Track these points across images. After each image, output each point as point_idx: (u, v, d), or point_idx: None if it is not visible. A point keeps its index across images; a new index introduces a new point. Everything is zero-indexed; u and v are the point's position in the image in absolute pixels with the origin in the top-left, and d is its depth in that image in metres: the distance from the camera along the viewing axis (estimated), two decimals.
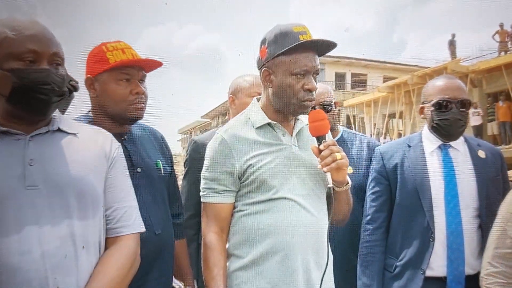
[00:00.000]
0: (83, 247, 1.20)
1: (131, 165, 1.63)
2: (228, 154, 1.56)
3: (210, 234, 1.56)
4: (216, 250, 1.54)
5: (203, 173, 1.61)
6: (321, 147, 1.49)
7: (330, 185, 1.48)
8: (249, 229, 1.54)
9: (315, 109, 1.58)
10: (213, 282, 1.51)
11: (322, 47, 1.56)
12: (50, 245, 1.15)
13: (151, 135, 1.87)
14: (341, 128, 2.36)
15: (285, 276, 1.49)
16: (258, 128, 1.58)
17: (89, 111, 1.73)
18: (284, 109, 1.57)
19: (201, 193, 1.61)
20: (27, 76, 1.17)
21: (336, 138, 2.26)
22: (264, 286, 1.50)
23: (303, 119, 1.63)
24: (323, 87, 2.30)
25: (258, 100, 1.66)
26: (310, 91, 1.52)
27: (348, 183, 1.57)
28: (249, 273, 1.52)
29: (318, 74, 1.56)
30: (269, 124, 1.58)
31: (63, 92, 1.24)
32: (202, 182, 1.60)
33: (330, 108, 2.24)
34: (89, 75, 1.67)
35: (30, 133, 1.22)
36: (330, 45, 1.56)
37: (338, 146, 1.51)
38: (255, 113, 1.62)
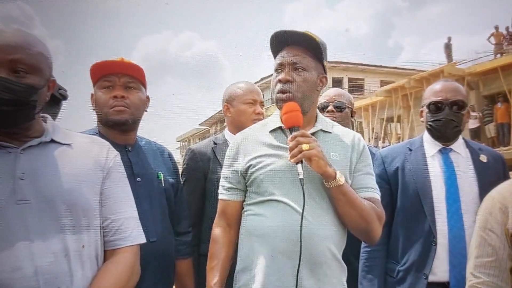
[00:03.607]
0: (79, 261, 1.17)
1: (132, 174, 1.66)
2: (236, 154, 1.62)
3: (216, 228, 1.63)
4: (218, 242, 1.59)
5: (221, 172, 1.68)
6: (288, 139, 1.47)
7: (301, 176, 1.43)
8: (247, 230, 1.56)
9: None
10: (211, 272, 1.55)
11: (302, 41, 1.55)
12: (43, 261, 1.11)
13: (158, 149, 1.92)
14: None
15: (275, 279, 1.46)
16: (271, 131, 1.60)
17: (97, 125, 1.81)
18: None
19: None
20: None
21: None
22: None
23: (319, 125, 1.60)
24: (339, 90, 2.49)
25: None
26: (280, 81, 1.55)
27: (335, 179, 1.45)
28: (246, 275, 1.53)
29: (303, 69, 1.54)
30: (280, 128, 1.59)
31: (26, 102, 1.17)
32: (220, 180, 1.67)
33: (340, 109, 2.33)
34: (92, 92, 1.78)
35: (21, 146, 1.19)
36: (307, 39, 1.55)
37: (311, 137, 1.47)
38: (273, 117, 1.65)
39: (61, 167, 1.21)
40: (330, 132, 1.61)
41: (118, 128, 1.74)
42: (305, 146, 1.42)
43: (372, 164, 1.65)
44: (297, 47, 1.55)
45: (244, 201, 1.61)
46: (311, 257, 1.46)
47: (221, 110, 2.35)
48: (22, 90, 1.15)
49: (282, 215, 1.48)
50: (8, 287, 1.07)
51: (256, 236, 1.52)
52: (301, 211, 1.44)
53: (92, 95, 1.78)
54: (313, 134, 1.55)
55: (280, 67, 1.56)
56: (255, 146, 1.58)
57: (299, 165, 1.44)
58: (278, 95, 1.55)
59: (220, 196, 1.65)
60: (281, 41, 1.57)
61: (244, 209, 1.60)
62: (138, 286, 1.32)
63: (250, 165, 1.55)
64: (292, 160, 1.44)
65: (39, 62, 1.20)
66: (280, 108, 1.56)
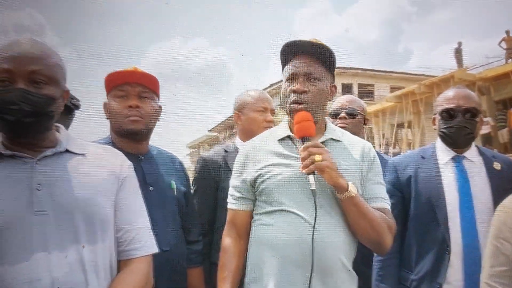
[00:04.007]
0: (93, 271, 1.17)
1: (145, 183, 1.67)
2: (245, 163, 1.61)
3: (226, 238, 1.61)
4: (229, 252, 1.57)
5: (230, 181, 1.67)
6: (300, 149, 1.46)
7: (312, 187, 1.42)
8: (257, 240, 1.55)
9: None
10: (222, 283, 1.53)
11: (317, 51, 1.54)
12: (59, 272, 1.12)
13: (169, 159, 1.92)
14: None
15: None
16: (279, 140, 1.59)
17: (110, 134, 1.81)
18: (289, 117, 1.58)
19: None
20: None
21: None
22: None
23: (329, 134, 1.60)
24: (352, 96, 2.48)
25: None
26: (294, 92, 1.53)
27: (348, 190, 1.44)
28: (257, 286, 1.51)
29: (316, 79, 1.54)
30: (289, 137, 1.58)
31: (45, 113, 1.18)
32: (229, 189, 1.66)
33: (352, 116, 2.31)
34: (104, 101, 1.78)
35: (37, 156, 1.19)
36: (322, 49, 1.55)
37: (323, 148, 1.46)
38: (281, 126, 1.64)
39: (77, 178, 1.21)
40: (340, 141, 1.59)
41: (132, 137, 1.74)
42: (317, 157, 1.41)
43: (382, 173, 1.63)
44: (309, 56, 1.55)
45: (253, 210, 1.60)
46: (322, 267, 1.45)
47: (230, 116, 2.35)
48: (41, 101, 1.17)
49: (292, 225, 1.47)
50: None
51: (266, 246, 1.50)
52: (311, 221, 1.44)
53: (105, 104, 1.78)
54: (322, 143, 1.54)
55: (293, 77, 1.55)
56: (264, 155, 1.57)
57: (311, 176, 1.43)
58: (292, 105, 1.53)
59: (229, 206, 1.64)
60: (293, 50, 1.56)
61: (254, 219, 1.59)
62: None
63: (260, 175, 1.54)
64: (304, 171, 1.43)
65: (56, 73, 1.21)
66: (292, 117, 1.55)
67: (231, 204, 1.63)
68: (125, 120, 1.71)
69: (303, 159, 1.43)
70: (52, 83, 1.20)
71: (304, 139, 1.48)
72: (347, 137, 1.65)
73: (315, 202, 1.43)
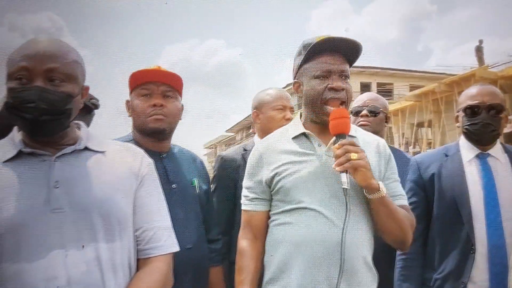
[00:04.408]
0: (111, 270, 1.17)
1: (167, 181, 1.67)
2: (259, 163, 1.58)
3: (243, 241, 1.58)
4: (246, 255, 1.55)
5: (243, 182, 1.63)
6: (336, 146, 1.42)
7: (345, 186, 1.39)
8: (276, 240, 1.52)
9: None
10: (240, 286, 1.51)
11: (348, 49, 1.53)
12: (76, 271, 1.11)
13: (190, 157, 1.92)
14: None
15: None
16: (293, 138, 1.57)
17: (131, 131, 1.81)
18: (314, 115, 1.55)
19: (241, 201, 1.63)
20: (15, 95, 1.14)
21: None
22: None
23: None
24: (374, 94, 2.42)
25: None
26: (335, 90, 1.49)
27: (379, 190, 1.42)
28: (277, 286, 1.49)
29: (347, 77, 1.52)
30: (304, 134, 1.56)
31: (62, 110, 1.18)
32: (243, 191, 1.63)
33: (375, 114, 2.27)
34: (127, 99, 1.78)
35: (56, 153, 1.19)
36: (354, 47, 1.52)
37: (358, 147, 1.43)
38: (294, 125, 1.62)
39: (95, 176, 1.21)
40: (355, 137, 1.57)
41: (155, 136, 1.75)
42: (353, 156, 1.38)
43: (396, 169, 1.61)
44: (340, 54, 1.52)
45: (269, 211, 1.57)
46: (348, 266, 1.43)
47: (247, 116, 2.34)
48: (58, 99, 1.16)
49: (314, 223, 1.45)
50: None
51: (287, 245, 1.48)
52: (333, 218, 1.43)
53: (127, 101, 1.79)
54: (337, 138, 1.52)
55: (327, 74, 1.50)
56: (279, 154, 1.55)
57: (344, 174, 1.40)
58: (328, 104, 1.50)
59: (243, 207, 1.61)
60: (328, 47, 1.51)
61: (271, 219, 1.56)
62: None
63: (276, 173, 1.52)
64: (338, 169, 1.39)
65: (74, 70, 1.21)
66: (323, 115, 1.51)
67: (246, 205, 1.60)
68: (148, 118, 1.71)
69: (337, 156, 1.40)
70: (70, 80, 1.19)
71: (338, 136, 1.45)
72: (360, 133, 1.62)
73: (346, 201, 1.42)
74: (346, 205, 1.42)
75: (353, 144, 1.42)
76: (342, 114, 1.45)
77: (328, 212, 1.45)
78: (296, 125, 1.60)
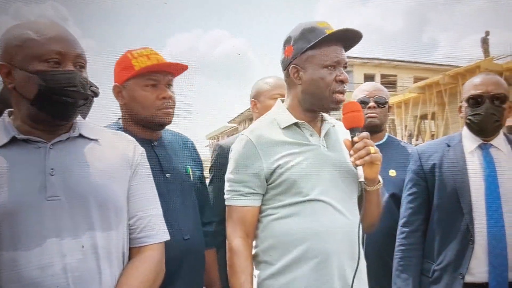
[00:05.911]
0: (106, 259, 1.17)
1: (161, 170, 1.63)
2: (254, 156, 1.49)
3: (236, 239, 1.49)
4: (242, 255, 1.48)
5: (228, 175, 1.55)
6: (355, 138, 1.42)
7: (361, 179, 1.40)
8: (280, 234, 1.48)
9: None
10: None
11: (349, 40, 1.51)
12: (72, 258, 1.11)
13: (182, 141, 1.86)
14: (385, 133, 2.34)
15: (321, 283, 1.42)
16: (284, 128, 1.52)
17: (119, 119, 1.73)
18: (316, 104, 1.52)
19: (225, 196, 1.55)
20: (52, 78, 1.13)
21: (381, 142, 2.24)
22: None
23: (330, 120, 1.59)
24: (377, 84, 2.37)
25: (283, 101, 1.62)
26: (343, 82, 1.48)
27: (380, 182, 1.49)
28: (281, 281, 1.46)
29: (346, 67, 1.52)
30: (296, 124, 1.53)
31: (88, 96, 1.20)
32: (227, 184, 1.54)
33: (382, 105, 2.24)
34: (116, 83, 1.68)
35: (51, 141, 1.18)
36: (357, 38, 1.51)
37: (371, 141, 1.44)
38: (281, 113, 1.56)
39: (90, 163, 1.20)
40: (335, 125, 1.59)
41: (159, 128, 1.71)
42: (372, 149, 1.40)
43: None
44: (341, 43, 1.50)
45: (262, 205, 1.53)
46: (352, 255, 1.44)
47: (249, 108, 2.32)
48: (86, 84, 1.19)
49: (325, 214, 1.45)
50: (39, 285, 1.07)
51: (293, 239, 1.45)
52: (341, 209, 1.46)
53: (116, 87, 1.68)
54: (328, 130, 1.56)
55: (335, 64, 1.48)
56: (275, 146, 1.49)
57: (360, 168, 1.41)
58: (338, 95, 1.48)
59: (235, 203, 1.51)
60: (335, 40, 1.48)
61: (266, 213, 1.51)
62: (175, 283, 1.31)
63: (279, 165, 1.47)
64: (358, 162, 1.40)
65: (86, 59, 1.23)
66: (334, 109, 1.51)
67: (239, 200, 1.50)
68: (159, 111, 1.63)
69: (356, 150, 1.41)
70: (86, 68, 1.22)
71: (353, 129, 1.45)
72: (334, 121, 1.63)
73: (363, 193, 1.44)
74: (363, 197, 1.43)
75: (369, 138, 1.43)
76: (355, 107, 1.47)
77: (333, 201, 1.45)
78: (284, 113, 1.55)
